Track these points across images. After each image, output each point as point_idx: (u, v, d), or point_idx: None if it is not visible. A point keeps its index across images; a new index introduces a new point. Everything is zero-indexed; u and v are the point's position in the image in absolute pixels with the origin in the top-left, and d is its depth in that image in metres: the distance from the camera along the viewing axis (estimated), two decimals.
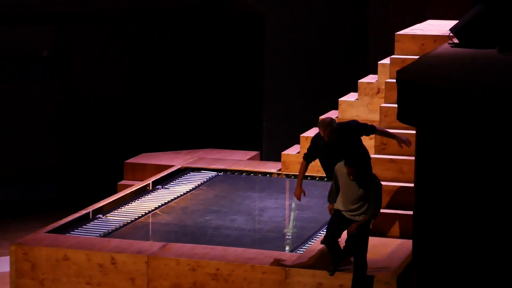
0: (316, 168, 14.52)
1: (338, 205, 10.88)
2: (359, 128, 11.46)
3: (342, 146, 11.15)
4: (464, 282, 10.13)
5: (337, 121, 14.32)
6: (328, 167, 11.34)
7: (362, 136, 11.46)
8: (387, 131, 11.81)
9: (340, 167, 10.82)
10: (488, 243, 9.92)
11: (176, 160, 15.65)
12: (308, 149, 11.49)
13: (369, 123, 11.67)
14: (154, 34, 19.06)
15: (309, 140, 14.43)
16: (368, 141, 13.94)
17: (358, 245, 10.74)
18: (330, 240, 10.84)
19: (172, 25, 19.23)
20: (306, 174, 14.46)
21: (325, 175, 11.90)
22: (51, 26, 18.49)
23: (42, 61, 18.63)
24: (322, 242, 11.09)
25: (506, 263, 9.62)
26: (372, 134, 11.67)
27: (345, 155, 10.80)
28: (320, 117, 11.65)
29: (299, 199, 11.43)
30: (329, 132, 11.12)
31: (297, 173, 14.55)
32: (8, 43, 18.28)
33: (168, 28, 19.19)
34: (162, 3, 19.35)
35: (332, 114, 14.61)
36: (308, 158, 11.50)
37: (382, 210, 12.05)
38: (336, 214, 10.91)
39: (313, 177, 14.51)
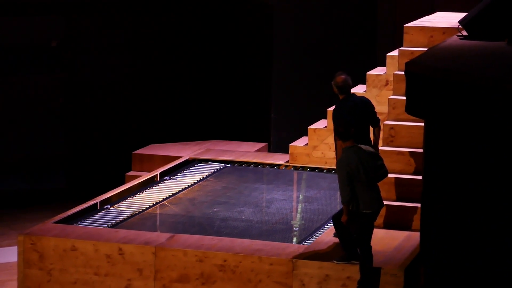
0: (324, 160, 14.56)
1: None
2: (371, 106, 11.68)
3: (350, 109, 11.39)
4: (471, 275, 10.12)
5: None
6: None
7: (368, 116, 11.61)
8: (378, 139, 11.77)
9: None
10: (496, 236, 9.92)
11: (184, 151, 15.67)
12: None
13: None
14: (163, 26, 19.06)
15: (317, 133, 14.56)
16: None
17: (357, 237, 10.72)
18: (336, 220, 10.91)
19: (181, 17, 19.22)
20: (313, 165, 14.63)
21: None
22: (60, 16, 18.50)
23: (51, 52, 18.63)
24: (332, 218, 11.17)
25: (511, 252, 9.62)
26: (374, 125, 11.70)
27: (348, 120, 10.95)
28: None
29: None
30: (341, 80, 11.65)
31: (304, 165, 14.65)
32: (17, 33, 18.30)
33: (177, 19, 19.18)
34: None
35: None
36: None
37: (390, 203, 12.08)
38: None
39: (321, 169, 14.52)
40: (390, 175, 12.34)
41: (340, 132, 10.70)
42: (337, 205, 12.15)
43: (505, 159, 9.68)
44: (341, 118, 11.15)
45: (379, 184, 10.92)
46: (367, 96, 14.06)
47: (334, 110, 11.73)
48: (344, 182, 10.60)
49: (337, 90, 11.78)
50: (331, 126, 14.36)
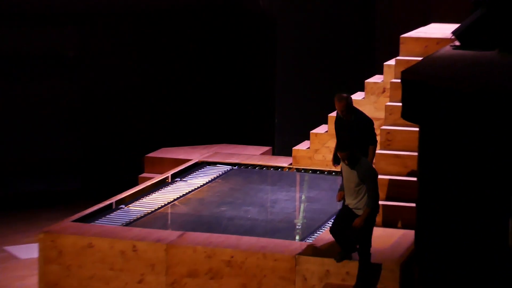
0: (325, 162, 14.57)
1: (346, 199, 10.89)
2: (371, 127, 11.49)
3: (353, 128, 11.25)
4: (462, 270, 10.15)
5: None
6: (337, 142, 11.42)
7: (367, 134, 11.47)
8: (372, 158, 11.61)
9: (343, 163, 10.84)
10: (485, 234, 9.94)
11: (193, 154, 15.69)
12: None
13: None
14: (173, 35, 19.08)
15: (319, 137, 14.58)
16: None
17: (361, 237, 10.72)
18: (334, 231, 10.83)
19: (190, 27, 19.26)
20: (315, 168, 14.63)
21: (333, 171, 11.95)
22: (76, 28, 18.54)
23: (68, 60, 18.67)
24: (330, 231, 11.14)
25: (503, 254, 9.64)
26: (371, 144, 11.52)
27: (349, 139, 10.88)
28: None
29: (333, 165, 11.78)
30: (343, 105, 11.23)
31: (307, 167, 14.67)
32: (37, 43, 18.33)
33: (186, 29, 19.21)
34: (182, 5, 19.38)
35: None
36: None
37: (387, 202, 12.09)
38: (343, 208, 10.92)
39: (322, 171, 14.53)
40: (387, 177, 12.37)
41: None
42: (337, 205, 12.16)
43: (496, 162, 9.72)
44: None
45: None
46: (365, 102, 14.11)
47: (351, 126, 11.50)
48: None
49: (349, 108, 11.45)
50: (332, 131, 14.42)
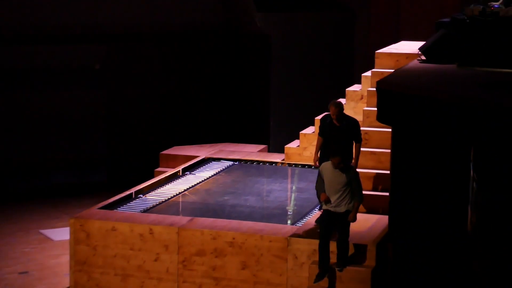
0: (312, 158, 14.53)
1: (325, 205, 10.54)
2: (358, 128, 11.25)
3: (343, 131, 11.02)
4: (429, 250, 10.15)
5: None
6: (326, 147, 11.10)
7: (355, 134, 11.23)
8: (358, 154, 11.32)
9: (325, 166, 10.55)
10: (449, 219, 9.94)
11: (201, 151, 15.66)
12: (319, 127, 11.39)
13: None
14: (183, 52, 19.05)
15: (307, 137, 14.53)
16: None
17: (346, 228, 10.54)
18: (323, 248, 10.45)
19: (197, 44, 19.23)
20: (304, 163, 14.59)
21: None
22: (102, 45, 18.52)
23: (95, 73, 18.65)
24: (319, 247, 10.62)
25: (462, 235, 9.64)
26: (357, 143, 11.28)
27: (342, 140, 10.68)
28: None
29: (315, 164, 11.30)
30: (338, 111, 10.97)
31: (297, 162, 14.63)
32: (68, 58, 18.31)
33: (193, 46, 19.18)
34: (192, 28, 19.37)
35: None
36: (320, 134, 11.34)
37: (364, 192, 12.07)
38: (325, 215, 10.54)
39: (310, 166, 14.50)
40: (364, 170, 12.34)
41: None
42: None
43: (455, 157, 9.72)
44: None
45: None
46: (346, 107, 14.05)
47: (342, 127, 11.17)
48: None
49: (342, 114, 11.14)
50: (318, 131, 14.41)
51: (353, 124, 11.18)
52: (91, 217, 11.68)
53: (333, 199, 10.51)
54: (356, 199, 10.51)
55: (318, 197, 10.84)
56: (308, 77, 19.51)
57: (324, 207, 10.57)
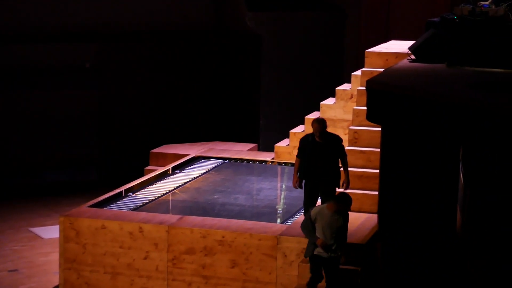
0: None
1: (319, 249, 9.95)
2: (341, 144, 10.94)
3: (327, 148, 10.78)
4: (418, 250, 10.15)
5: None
6: (310, 165, 10.74)
7: (340, 151, 10.94)
8: (347, 168, 11.03)
9: (321, 212, 9.86)
10: (438, 218, 9.94)
11: (190, 150, 15.64)
12: (298, 148, 11.03)
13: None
14: (174, 51, 19.02)
15: (297, 136, 14.50)
16: (343, 136, 13.95)
17: (337, 273, 10.03)
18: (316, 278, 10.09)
19: (188, 44, 19.20)
20: (293, 162, 14.54)
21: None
22: (93, 43, 18.47)
23: (86, 72, 18.60)
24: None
25: (450, 231, 9.64)
26: (342, 158, 10.95)
27: (326, 157, 10.52)
28: (309, 116, 11.10)
29: (295, 187, 11.00)
30: (321, 127, 10.72)
31: (287, 161, 14.63)
32: (59, 57, 18.25)
33: (184, 46, 19.15)
34: (184, 27, 19.33)
35: (315, 114, 14.58)
36: (299, 155, 10.97)
37: (354, 191, 12.05)
38: (317, 261, 10.02)
39: None
40: (354, 169, 12.31)
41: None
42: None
43: (444, 156, 9.72)
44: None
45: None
46: (336, 106, 14.07)
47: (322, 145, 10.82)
48: None
49: (325, 131, 10.83)
50: (309, 130, 14.36)
51: (336, 140, 10.91)
52: (81, 215, 11.66)
53: (330, 242, 9.90)
54: (342, 251, 10.00)
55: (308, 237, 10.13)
56: (298, 76, 19.50)
57: (316, 252, 9.97)
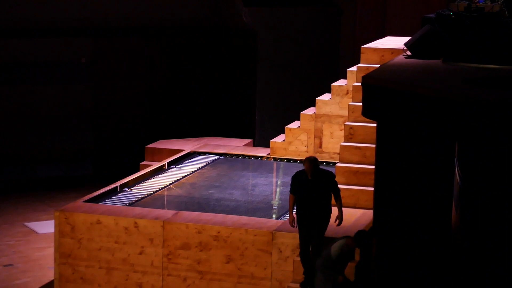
0: (297, 153, 14.53)
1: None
2: (333, 180, 10.59)
3: (319, 186, 10.42)
4: (413, 246, 10.15)
5: (314, 116, 14.35)
6: (303, 203, 10.42)
7: (333, 187, 10.54)
8: (341, 204, 10.59)
9: (343, 248, 10.11)
10: (433, 214, 9.94)
11: (186, 145, 15.63)
12: (291, 184, 10.61)
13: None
14: (169, 46, 19.00)
15: (293, 131, 14.51)
16: (339, 132, 13.96)
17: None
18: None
19: (183, 39, 19.18)
20: (289, 157, 14.57)
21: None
22: (88, 38, 18.44)
23: (81, 66, 18.57)
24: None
25: (445, 227, 9.64)
26: (335, 194, 10.51)
27: (319, 195, 10.31)
28: (307, 157, 10.73)
29: (291, 225, 10.53)
30: (313, 167, 10.34)
31: (282, 157, 14.62)
32: (54, 51, 18.23)
33: (180, 41, 19.13)
34: (180, 22, 19.30)
35: (310, 110, 14.58)
36: (292, 191, 10.56)
37: (349, 187, 12.05)
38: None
39: (295, 160, 14.50)
40: (349, 165, 12.32)
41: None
42: None
43: (440, 152, 9.71)
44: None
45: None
46: (332, 102, 14.06)
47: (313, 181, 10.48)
48: None
49: (317, 169, 10.48)
50: (304, 126, 14.38)
51: (329, 177, 10.53)
52: (76, 210, 11.63)
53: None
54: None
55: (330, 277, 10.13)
56: (294, 72, 19.49)
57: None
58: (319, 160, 10.57)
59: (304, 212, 10.41)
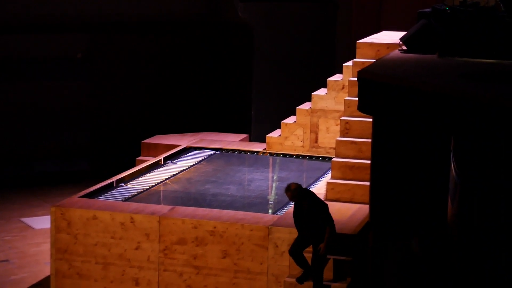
0: (293, 148, 14.52)
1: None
2: (325, 211, 10.23)
3: (312, 215, 10.20)
4: (409, 236, 10.14)
5: (310, 111, 14.32)
6: (302, 230, 10.30)
7: (324, 217, 10.21)
8: (329, 236, 10.14)
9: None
10: (429, 208, 9.93)
11: (182, 140, 15.62)
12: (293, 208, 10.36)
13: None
14: (165, 41, 18.98)
15: (289, 126, 14.50)
16: (335, 127, 13.95)
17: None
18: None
19: (179, 34, 19.15)
20: (285, 152, 14.57)
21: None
22: (84, 34, 18.41)
23: (78, 62, 18.54)
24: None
25: (441, 222, 9.63)
26: (327, 226, 10.15)
27: (315, 223, 10.14)
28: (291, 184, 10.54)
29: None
30: (291, 196, 10.12)
31: (278, 152, 14.61)
32: (50, 47, 18.19)
33: (175, 36, 19.10)
34: (176, 18, 19.26)
35: (306, 105, 14.57)
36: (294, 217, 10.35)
37: (345, 181, 12.04)
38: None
39: (291, 155, 14.49)
40: (345, 160, 12.30)
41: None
42: (304, 184, 12.04)
43: (436, 147, 9.70)
44: None
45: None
46: (328, 97, 14.04)
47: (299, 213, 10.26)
48: None
49: (300, 196, 10.23)
50: (300, 121, 14.37)
51: (321, 208, 10.21)
52: (72, 206, 11.62)
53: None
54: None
55: None
56: (290, 67, 19.47)
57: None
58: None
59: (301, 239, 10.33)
